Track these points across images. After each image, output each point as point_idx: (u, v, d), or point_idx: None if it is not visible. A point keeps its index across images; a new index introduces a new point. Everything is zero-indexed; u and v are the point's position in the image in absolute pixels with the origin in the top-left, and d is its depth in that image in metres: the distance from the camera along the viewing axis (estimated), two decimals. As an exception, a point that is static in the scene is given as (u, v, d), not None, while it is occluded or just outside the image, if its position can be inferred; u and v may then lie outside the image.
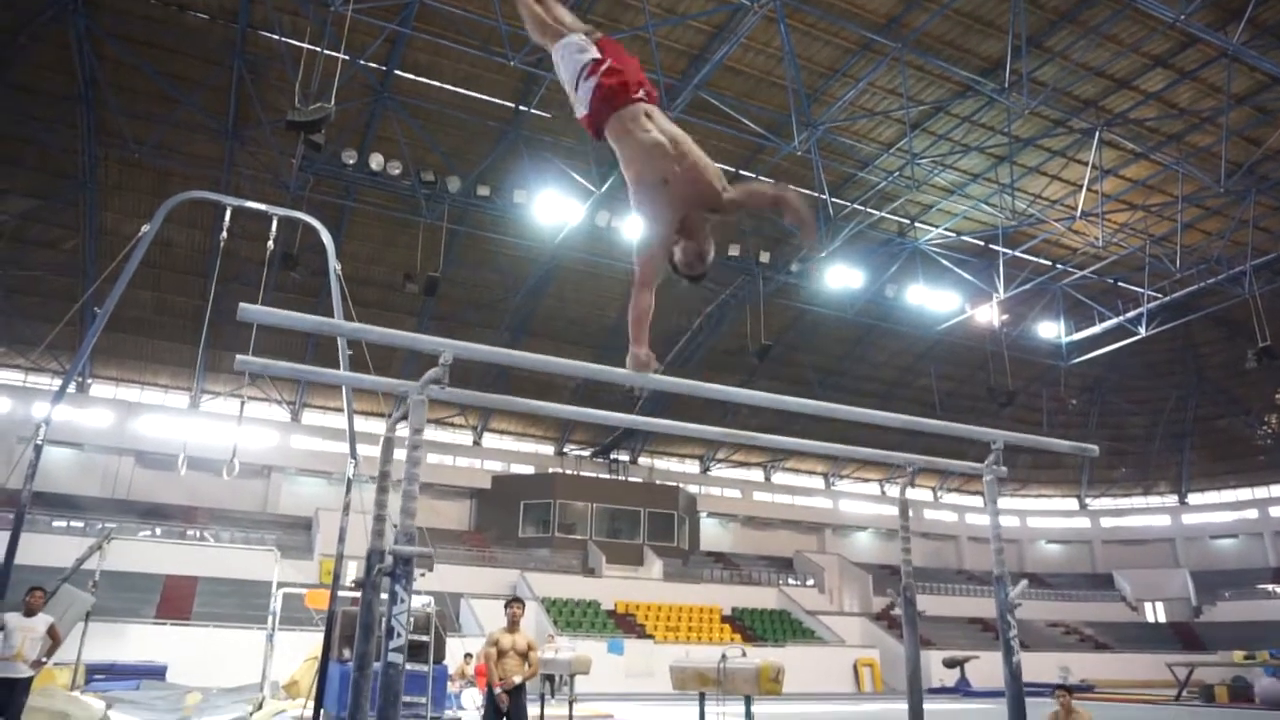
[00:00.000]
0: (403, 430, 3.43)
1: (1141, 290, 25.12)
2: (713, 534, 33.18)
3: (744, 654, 7.72)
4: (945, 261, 25.18)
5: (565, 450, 31.63)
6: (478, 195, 20.33)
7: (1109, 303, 26.70)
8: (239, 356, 3.52)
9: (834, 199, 21.54)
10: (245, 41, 17.78)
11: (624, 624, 23.27)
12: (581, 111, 3.61)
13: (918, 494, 37.22)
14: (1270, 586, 32.86)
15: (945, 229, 24.61)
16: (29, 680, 7.86)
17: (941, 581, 32.46)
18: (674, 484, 31.37)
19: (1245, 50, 15.50)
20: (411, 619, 4.33)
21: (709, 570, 29.04)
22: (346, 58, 15.94)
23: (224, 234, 10.72)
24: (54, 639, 8.17)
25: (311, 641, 12.88)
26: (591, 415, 4.51)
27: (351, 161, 18.83)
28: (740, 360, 27.30)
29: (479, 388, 26.49)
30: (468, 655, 14.47)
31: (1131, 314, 26.10)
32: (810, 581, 30.08)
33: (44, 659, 8.08)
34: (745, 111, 19.07)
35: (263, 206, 11.03)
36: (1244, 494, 36.06)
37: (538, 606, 22.12)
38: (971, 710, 18.07)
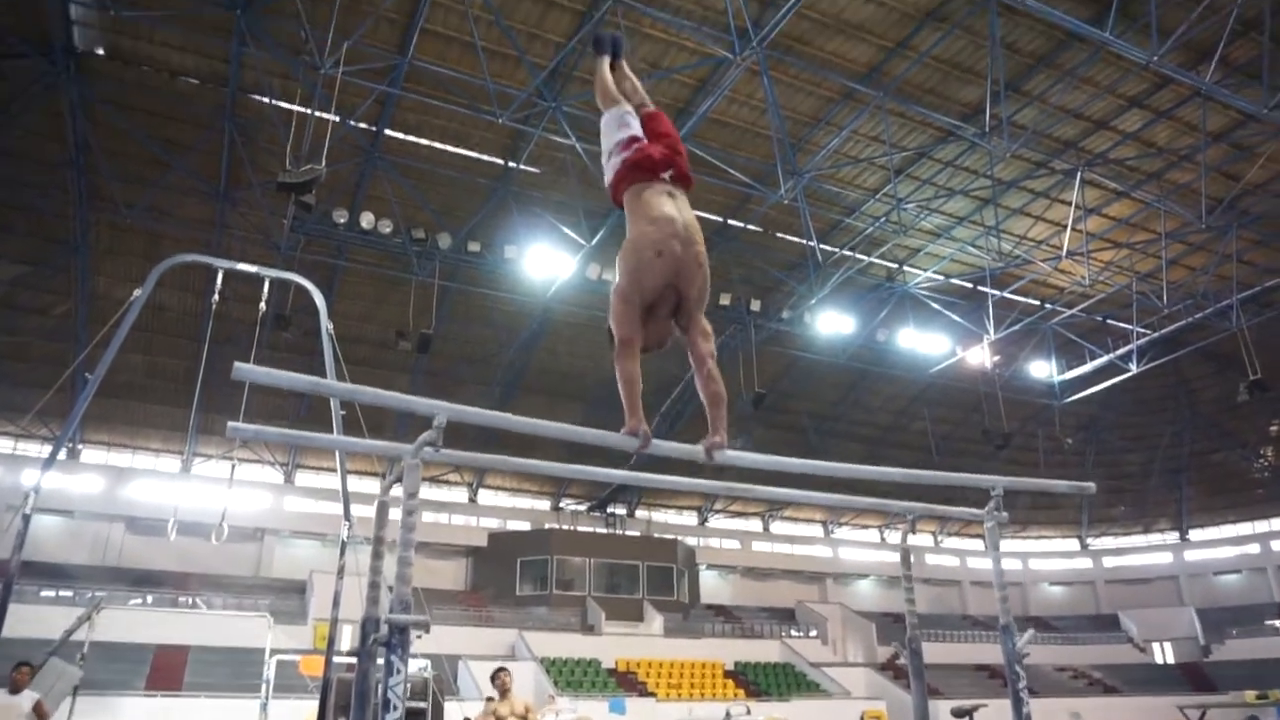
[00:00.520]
0: (397, 492, 3.38)
1: (1130, 327, 25.25)
2: (713, 586, 32.74)
3: (748, 711, 7.59)
4: (935, 304, 25.32)
5: (561, 505, 31.34)
6: (468, 251, 20.43)
7: (1099, 340, 26.81)
8: (230, 424, 3.48)
9: (822, 245, 21.72)
10: (235, 105, 17.99)
11: (625, 682, 22.81)
12: (607, 178, 3.73)
13: (919, 540, 36.89)
14: (1277, 623, 32.47)
15: (933, 272, 24.80)
16: (14, 761, 7.63)
17: (946, 628, 31.98)
18: (672, 536, 31.04)
19: (1218, 89, 15.81)
20: (408, 685, 4.21)
21: (710, 624, 28.58)
22: (337, 119, 16.15)
23: (216, 296, 10.72)
24: (41, 717, 7.95)
25: (306, 710, 12.57)
26: (587, 473, 4.46)
27: (342, 221, 18.92)
28: (734, 409, 27.22)
29: (473, 444, 26.19)
30: None
31: (1122, 351, 26.19)
32: (813, 632, 29.62)
33: (30, 737, 7.85)
34: (732, 162, 19.31)
35: (254, 269, 11.06)
36: (1245, 529, 35.75)
37: (536, 667, 21.69)
38: (983, 760, 17.61)
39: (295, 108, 15.95)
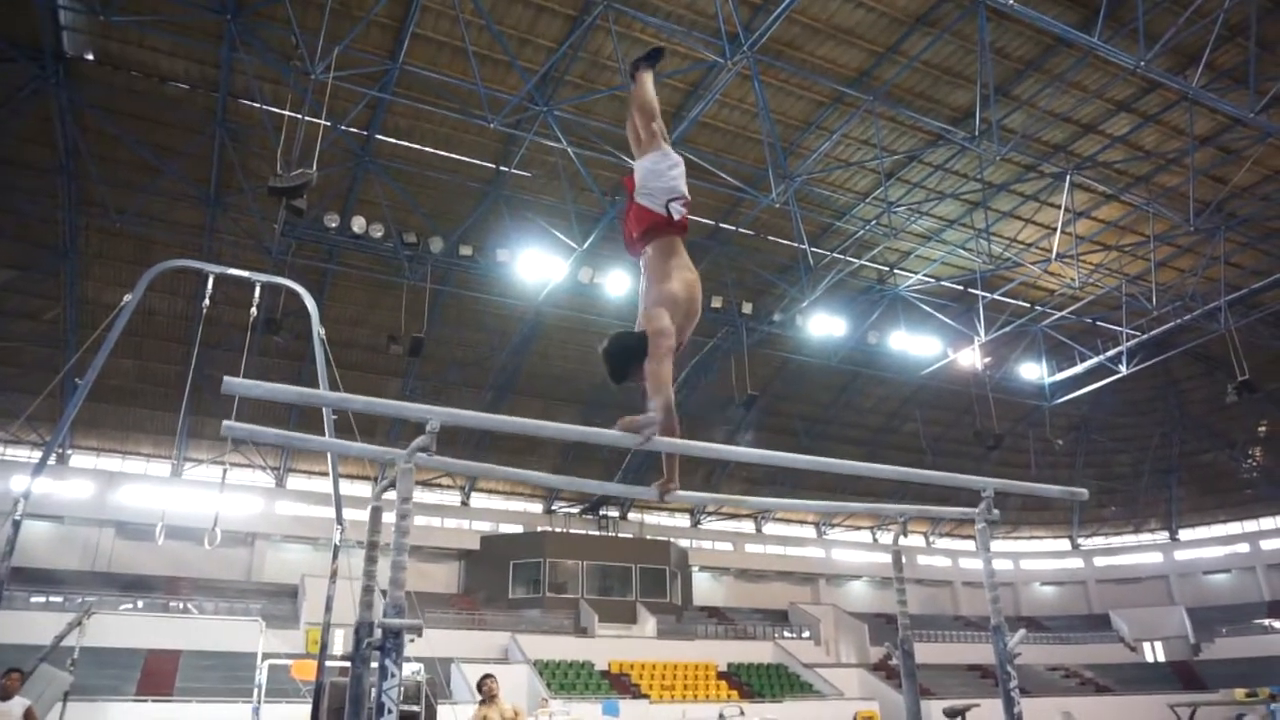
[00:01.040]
0: (390, 496, 3.39)
1: (1120, 329, 25.39)
2: (705, 588, 32.75)
3: (741, 712, 7.60)
4: (926, 307, 25.41)
5: (554, 508, 31.31)
6: (460, 255, 20.42)
7: (1089, 342, 26.96)
8: (224, 422, 3.46)
9: (813, 248, 21.78)
10: (226, 110, 17.94)
11: (618, 684, 22.80)
12: (648, 214, 3.94)
13: (910, 540, 37.00)
14: (1266, 621, 32.68)
15: (924, 275, 24.89)
16: (5, 767, 7.61)
17: (937, 628, 32.07)
18: (665, 539, 31.03)
19: (1204, 93, 15.91)
20: (402, 689, 4.22)
21: (703, 625, 28.59)
22: (328, 124, 16.11)
23: (206, 301, 10.69)
24: (31, 723, 7.93)
25: (299, 715, 12.54)
26: (580, 485, 4.47)
27: (334, 225, 18.90)
28: (727, 412, 27.27)
29: (466, 447, 26.30)
30: (460, 723, 14.12)
31: (1111, 353, 26.34)
32: (806, 633, 29.66)
33: (21, 744, 7.83)
34: (723, 166, 19.36)
35: (245, 273, 11.02)
36: (1234, 528, 36.03)
37: (529, 669, 21.65)
38: (975, 761, 17.68)
39: (286, 112, 15.90)
